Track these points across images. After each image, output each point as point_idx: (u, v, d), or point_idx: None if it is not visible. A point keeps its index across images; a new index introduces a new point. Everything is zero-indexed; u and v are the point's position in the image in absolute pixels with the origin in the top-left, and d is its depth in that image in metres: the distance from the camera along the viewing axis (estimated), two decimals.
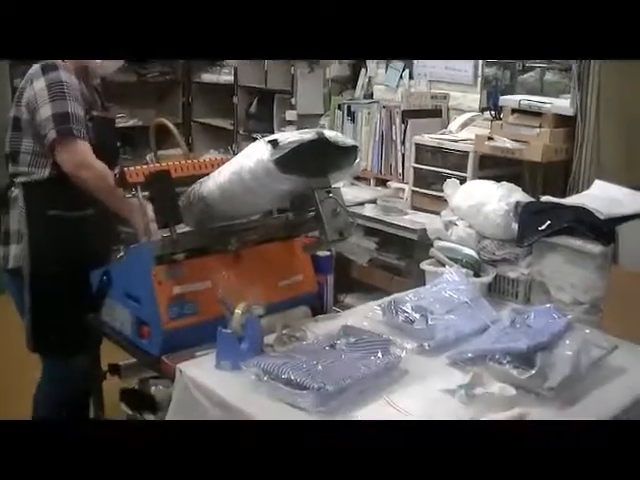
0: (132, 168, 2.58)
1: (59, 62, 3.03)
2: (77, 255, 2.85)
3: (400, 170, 4.73)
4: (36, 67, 3.04)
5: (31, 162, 3.09)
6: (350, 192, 4.53)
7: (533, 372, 2.19)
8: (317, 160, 2.45)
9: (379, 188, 4.80)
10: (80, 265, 2.83)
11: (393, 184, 4.66)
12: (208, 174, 2.61)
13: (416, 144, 4.41)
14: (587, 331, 2.43)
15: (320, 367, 2.16)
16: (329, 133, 2.50)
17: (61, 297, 3.04)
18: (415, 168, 4.41)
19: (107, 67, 3.27)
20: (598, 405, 2.21)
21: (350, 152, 2.54)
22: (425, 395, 2.15)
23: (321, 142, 2.41)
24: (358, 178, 4.93)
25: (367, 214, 4.34)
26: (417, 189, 4.39)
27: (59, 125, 2.94)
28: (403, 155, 4.70)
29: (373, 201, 4.47)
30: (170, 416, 2.40)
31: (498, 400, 2.10)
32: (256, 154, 2.34)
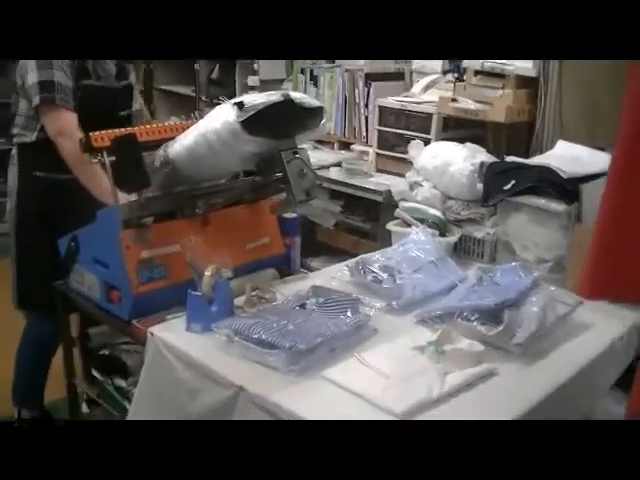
0: (97, 133, 2.57)
1: None
2: (58, 217, 2.87)
3: (364, 133, 4.74)
4: None
5: (24, 124, 3.24)
6: (314, 155, 4.51)
7: (501, 328, 2.22)
8: (283, 121, 2.45)
9: (343, 151, 4.80)
10: (60, 227, 2.83)
11: (357, 147, 4.67)
12: (173, 138, 2.60)
13: (379, 107, 4.41)
14: (552, 288, 2.46)
15: (291, 326, 2.17)
16: (295, 94, 2.50)
17: (37, 258, 3.13)
18: (379, 131, 4.42)
19: None
20: (564, 360, 2.25)
21: (316, 113, 2.54)
22: (395, 352, 2.16)
23: (287, 103, 2.42)
24: (322, 142, 4.93)
25: (332, 177, 4.34)
26: (381, 151, 4.40)
27: (43, 92, 3.04)
28: (367, 118, 4.70)
29: (338, 164, 4.47)
30: (142, 380, 2.41)
31: (466, 356, 2.13)
32: (222, 116, 2.34)
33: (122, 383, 3.00)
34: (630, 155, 2.16)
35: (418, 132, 4.11)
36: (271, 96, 2.40)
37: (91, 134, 2.56)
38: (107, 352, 3.14)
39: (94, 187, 2.94)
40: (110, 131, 2.58)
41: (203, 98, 6.40)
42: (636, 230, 1.63)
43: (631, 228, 2.08)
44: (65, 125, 3.06)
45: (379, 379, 2.01)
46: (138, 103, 3.63)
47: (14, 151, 3.33)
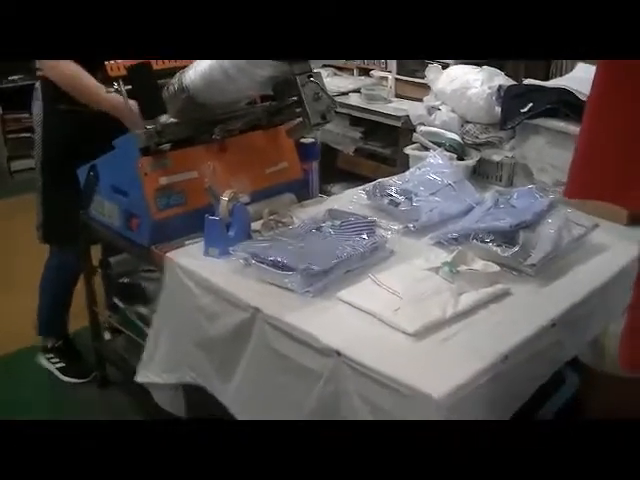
0: (112, 62, 2.58)
1: None
2: (83, 149, 2.88)
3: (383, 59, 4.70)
4: None
5: None
6: (334, 82, 4.50)
7: (516, 249, 2.23)
8: None
9: (362, 77, 4.76)
10: (85, 159, 2.85)
11: (376, 73, 4.62)
12: (188, 65, 2.61)
13: None
14: (569, 211, 2.46)
15: (306, 248, 2.21)
16: None
17: (63, 190, 3.11)
18: None
19: None
20: (578, 281, 2.26)
21: None
22: (410, 273, 2.18)
23: None
24: (341, 68, 4.89)
25: (351, 103, 4.32)
26: (400, 77, 4.37)
27: None
28: None
29: (357, 90, 4.45)
30: (161, 305, 2.45)
31: (481, 276, 2.14)
32: None
33: (143, 310, 3.05)
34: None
35: None
36: None
37: (106, 63, 2.57)
38: (128, 280, 3.18)
39: (100, 103, 2.92)
40: (126, 60, 2.58)
41: None
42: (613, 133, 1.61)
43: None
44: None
45: (393, 299, 2.03)
46: None
47: (37, 84, 3.31)
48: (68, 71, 2.97)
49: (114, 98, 2.71)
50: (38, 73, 3.28)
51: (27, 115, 6.40)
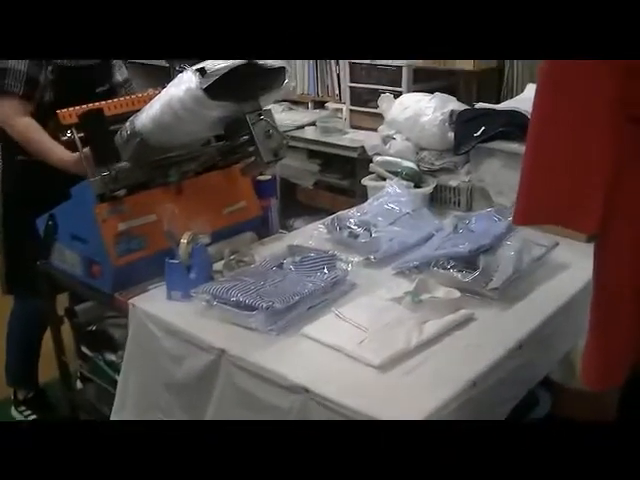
0: (65, 110, 2.57)
1: None
2: (41, 198, 2.87)
3: (337, 91, 4.74)
4: None
5: None
6: (289, 116, 4.53)
7: (477, 274, 2.24)
8: (246, 84, 2.44)
9: (317, 110, 4.79)
10: (44, 209, 2.83)
11: (331, 105, 4.66)
12: (140, 109, 2.61)
13: (350, 63, 4.40)
14: (528, 231, 2.48)
15: (268, 287, 2.20)
16: None
17: (22, 240, 3.12)
18: (351, 87, 4.42)
19: None
20: (542, 301, 2.27)
21: (279, 73, 2.54)
22: (373, 305, 2.18)
23: (249, 66, 2.41)
24: (296, 102, 4.93)
25: (308, 137, 4.34)
26: (355, 108, 4.41)
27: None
28: (338, 75, 4.70)
29: (313, 123, 4.47)
30: (128, 352, 2.44)
31: (444, 303, 2.15)
32: (185, 83, 2.33)
33: (112, 357, 3.01)
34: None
35: (390, 86, 4.11)
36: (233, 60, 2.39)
37: (59, 111, 2.56)
38: (95, 327, 3.15)
39: (51, 159, 2.94)
40: (78, 107, 2.58)
41: (177, 67, 6.36)
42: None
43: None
44: (6, 114, 3.05)
45: (357, 332, 2.03)
46: (121, 74, 3.60)
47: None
48: (20, 125, 2.97)
49: (64, 153, 2.73)
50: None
51: None
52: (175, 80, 2.42)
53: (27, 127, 3.00)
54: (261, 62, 2.45)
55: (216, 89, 2.30)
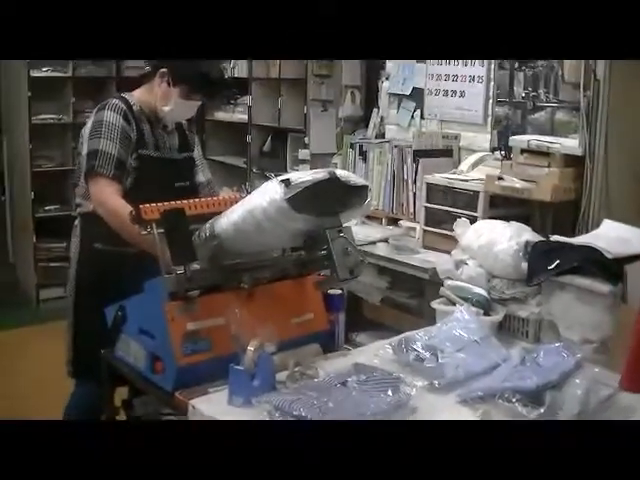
0: (147, 205, 2.62)
1: (113, 102, 3.31)
2: (115, 289, 2.90)
3: (412, 209, 4.78)
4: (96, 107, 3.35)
5: (84, 195, 3.35)
6: (362, 231, 4.55)
7: (542, 410, 2.20)
8: (329, 199, 2.48)
9: (391, 227, 4.82)
10: (115, 299, 2.87)
11: (405, 223, 4.68)
12: (221, 212, 2.65)
13: (427, 183, 4.44)
14: (596, 370, 2.44)
15: (331, 404, 2.17)
16: (341, 172, 2.53)
17: (92, 329, 3.12)
18: (426, 207, 4.44)
19: (179, 114, 3.48)
20: None
21: (361, 191, 2.57)
22: None
23: (333, 181, 2.45)
24: (370, 217, 4.96)
25: (379, 253, 4.36)
26: (428, 228, 4.42)
27: (89, 162, 3.18)
28: (414, 194, 4.74)
29: (385, 240, 4.49)
30: None
31: None
32: (269, 193, 2.37)
33: None
34: None
35: (465, 209, 4.12)
36: (317, 174, 2.43)
37: (141, 206, 2.61)
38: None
39: (138, 242, 2.99)
40: (160, 204, 2.63)
41: (254, 170, 6.48)
42: None
43: None
44: (101, 194, 3.16)
45: None
46: (205, 175, 3.69)
47: (77, 222, 3.43)
48: (115, 207, 3.03)
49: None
50: (79, 210, 3.39)
51: (59, 245, 6.62)
52: (259, 189, 2.46)
53: (123, 209, 3.00)
54: (344, 179, 2.49)
55: (299, 202, 2.33)
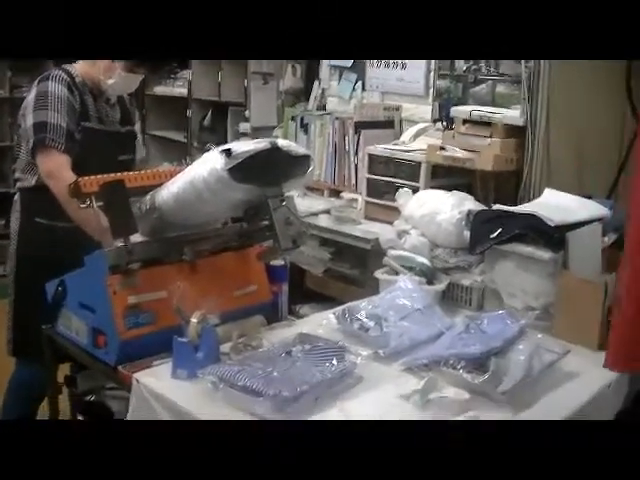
0: (86, 178, 2.58)
1: (55, 73, 3.24)
2: (56, 264, 2.86)
3: (353, 181, 4.77)
4: (37, 79, 3.28)
5: (24, 168, 3.31)
6: (304, 203, 4.53)
7: (486, 377, 2.22)
8: (270, 169, 2.46)
9: (333, 199, 4.81)
10: (55, 274, 2.82)
11: (347, 195, 4.67)
12: (162, 184, 2.62)
13: (369, 155, 4.42)
14: (539, 336, 2.47)
15: (276, 374, 2.17)
16: (282, 142, 2.51)
17: (33, 304, 3.08)
18: (368, 179, 4.42)
19: (122, 87, 3.44)
20: (550, 408, 2.25)
21: (303, 161, 2.56)
22: (380, 401, 2.17)
23: (274, 151, 2.43)
24: (312, 189, 4.95)
25: (321, 224, 4.35)
26: (370, 199, 4.41)
27: (37, 134, 3.11)
28: (356, 166, 4.73)
29: (327, 211, 4.47)
30: None
31: (452, 404, 2.13)
32: (210, 163, 2.35)
33: None
34: None
35: (407, 180, 4.12)
36: (259, 144, 2.41)
37: (80, 179, 2.57)
38: (93, 398, 3.12)
39: (87, 226, 2.95)
40: (99, 176, 2.59)
41: (195, 144, 6.43)
42: None
43: None
44: (53, 166, 3.11)
45: None
46: (142, 151, 3.66)
47: (16, 197, 3.38)
48: (68, 180, 2.98)
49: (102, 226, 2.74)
50: (19, 185, 3.34)
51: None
52: (200, 159, 2.43)
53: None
54: (286, 148, 2.47)
55: (240, 172, 2.31)
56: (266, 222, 2.59)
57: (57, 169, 3.09)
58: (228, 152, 2.32)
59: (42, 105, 3.15)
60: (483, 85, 4.46)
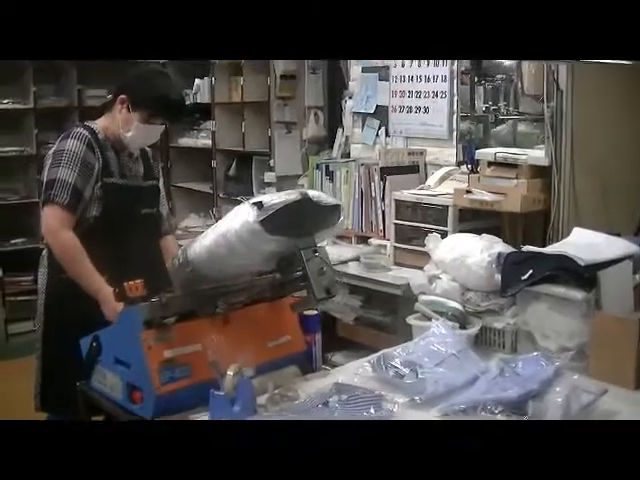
0: (131, 283, 2.56)
1: (77, 130, 3.30)
2: (83, 319, 2.88)
3: (381, 227, 4.78)
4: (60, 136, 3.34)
5: None
6: (333, 251, 4.52)
7: (525, 420, 2.21)
8: (302, 220, 2.48)
9: (361, 246, 4.82)
10: (87, 329, 2.84)
11: (375, 241, 4.68)
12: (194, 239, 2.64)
13: (395, 200, 4.45)
14: (575, 377, 2.45)
15: None
16: (312, 193, 2.54)
17: (61, 358, 3.10)
18: (396, 224, 4.44)
19: (141, 139, 3.43)
20: None
21: (333, 211, 2.58)
22: None
23: (305, 202, 2.45)
24: (340, 237, 4.96)
25: (351, 272, 4.36)
26: (399, 245, 4.42)
27: (46, 191, 3.15)
28: (383, 212, 4.74)
29: (356, 259, 4.49)
30: None
31: None
32: (241, 216, 2.37)
33: None
34: None
35: (435, 224, 4.13)
36: (289, 195, 2.43)
37: (125, 284, 2.57)
38: None
39: (90, 287, 3.02)
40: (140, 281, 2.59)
41: (221, 195, 6.47)
42: None
43: None
44: (52, 223, 3.15)
45: None
46: (164, 209, 3.68)
47: (44, 252, 3.39)
48: (64, 241, 3.03)
49: (103, 285, 2.77)
50: (45, 241, 3.33)
51: (26, 278, 6.56)
52: (231, 212, 2.45)
53: (72, 245, 3.07)
54: (316, 199, 2.49)
55: (272, 223, 2.33)
56: (299, 273, 2.61)
57: (55, 228, 3.13)
58: (259, 204, 2.34)
59: (56, 163, 3.19)
60: (504, 125, 4.49)
